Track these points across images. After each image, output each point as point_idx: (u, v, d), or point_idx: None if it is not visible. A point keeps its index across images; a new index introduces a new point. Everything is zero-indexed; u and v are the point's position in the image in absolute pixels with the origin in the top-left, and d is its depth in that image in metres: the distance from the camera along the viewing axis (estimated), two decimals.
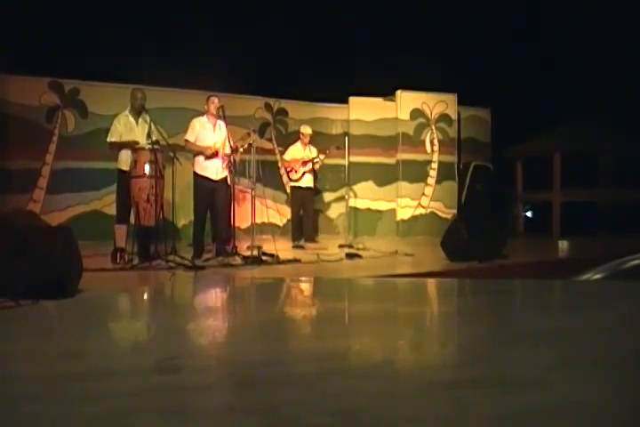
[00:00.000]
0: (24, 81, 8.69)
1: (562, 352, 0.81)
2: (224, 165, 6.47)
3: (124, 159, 6.06)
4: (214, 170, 6.45)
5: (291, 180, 8.91)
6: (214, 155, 6.42)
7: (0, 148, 8.37)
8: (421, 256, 7.26)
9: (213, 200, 6.49)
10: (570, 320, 1.02)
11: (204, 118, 6.61)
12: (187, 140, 6.57)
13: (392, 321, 1.04)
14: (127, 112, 6.21)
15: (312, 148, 8.90)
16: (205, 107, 6.61)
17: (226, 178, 6.54)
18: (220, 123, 6.56)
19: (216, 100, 6.54)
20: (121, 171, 6.10)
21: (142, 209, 5.78)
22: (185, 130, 6.67)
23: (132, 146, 5.97)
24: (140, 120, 6.19)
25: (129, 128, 6.15)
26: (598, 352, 0.81)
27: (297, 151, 8.84)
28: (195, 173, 6.53)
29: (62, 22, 9.35)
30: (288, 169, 8.96)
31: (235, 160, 6.56)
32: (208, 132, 6.53)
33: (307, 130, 8.83)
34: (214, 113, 6.53)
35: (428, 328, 1.11)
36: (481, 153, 11.83)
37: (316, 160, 8.77)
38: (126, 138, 6.10)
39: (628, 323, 0.98)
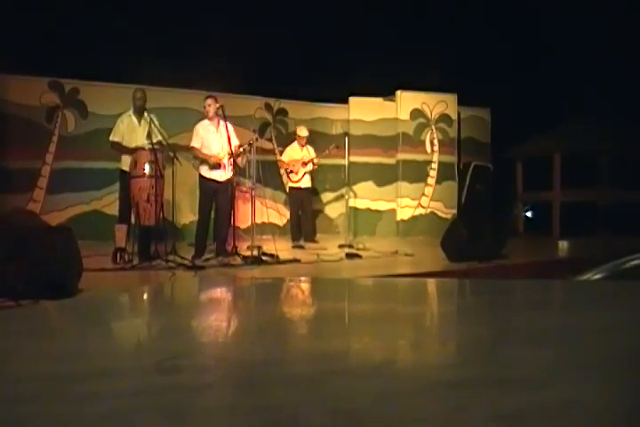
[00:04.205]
0: (24, 81, 8.70)
1: (562, 352, 0.81)
2: (229, 163, 6.45)
3: (127, 160, 6.07)
4: (220, 172, 6.45)
5: (291, 181, 8.89)
6: (218, 166, 6.41)
7: (0, 148, 8.38)
8: (421, 256, 7.27)
9: (217, 201, 6.49)
10: (570, 320, 1.01)
11: (205, 122, 6.59)
12: (193, 147, 6.55)
13: (392, 321, 1.04)
14: (131, 112, 6.23)
15: (309, 148, 8.89)
16: (203, 109, 6.59)
17: (230, 178, 6.54)
18: (222, 121, 6.54)
19: (209, 100, 6.48)
20: (123, 171, 6.12)
21: (142, 209, 5.79)
22: (185, 130, 6.68)
23: (134, 152, 5.97)
24: (143, 121, 6.20)
25: (131, 128, 6.16)
26: (598, 352, 0.81)
27: (294, 152, 8.81)
28: (200, 176, 6.53)
29: (62, 22, 9.35)
30: (288, 170, 8.93)
31: (235, 161, 6.56)
32: (211, 134, 6.50)
33: (303, 132, 8.79)
34: (213, 115, 6.49)
35: (428, 328, 1.11)
36: (481, 153, 11.83)
37: (314, 161, 8.78)
38: (128, 138, 6.12)
39: (628, 323, 0.98)
